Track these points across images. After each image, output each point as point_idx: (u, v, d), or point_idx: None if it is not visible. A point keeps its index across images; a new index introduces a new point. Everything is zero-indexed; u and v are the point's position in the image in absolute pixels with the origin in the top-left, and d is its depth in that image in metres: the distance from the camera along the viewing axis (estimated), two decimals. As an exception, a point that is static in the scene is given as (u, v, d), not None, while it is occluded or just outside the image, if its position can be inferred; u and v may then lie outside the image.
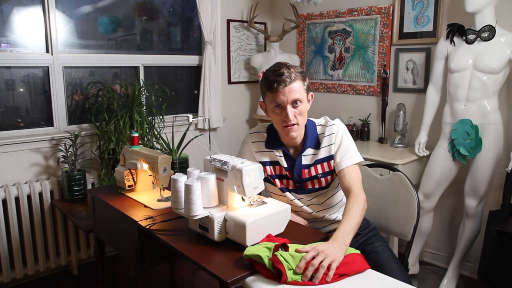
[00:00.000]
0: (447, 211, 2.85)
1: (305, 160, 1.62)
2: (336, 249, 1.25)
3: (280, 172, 1.67)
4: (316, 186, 1.64)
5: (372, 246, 1.64)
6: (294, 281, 1.19)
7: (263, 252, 1.24)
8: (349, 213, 1.42)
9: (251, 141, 1.73)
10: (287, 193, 1.67)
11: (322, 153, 1.61)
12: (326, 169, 1.62)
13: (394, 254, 1.68)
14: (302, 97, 1.53)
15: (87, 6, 2.85)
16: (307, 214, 1.70)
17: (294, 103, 1.52)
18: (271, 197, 1.68)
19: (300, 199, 1.68)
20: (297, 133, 1.58)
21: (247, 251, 1.27)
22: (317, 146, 1.62)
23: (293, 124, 1.54)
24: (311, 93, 1.61)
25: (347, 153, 1.58)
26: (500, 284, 1.88)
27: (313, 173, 1.62)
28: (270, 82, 1.52)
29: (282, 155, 1.65)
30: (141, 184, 1.96)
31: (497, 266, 1.91)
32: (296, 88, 1.51)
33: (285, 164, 1.64)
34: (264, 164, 1.67)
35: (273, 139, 1.67)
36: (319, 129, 1.65)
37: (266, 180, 1.68)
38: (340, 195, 1.72)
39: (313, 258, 1.21)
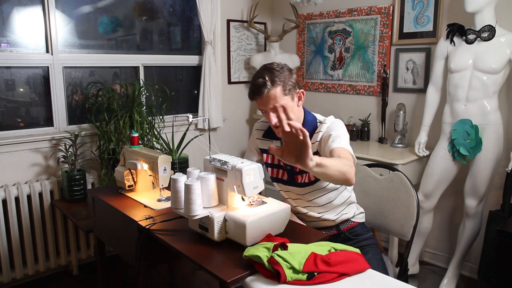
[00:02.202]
0: (447, 211, 2.85)
1: None
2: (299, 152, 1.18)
3: (278, 162, 1.72)
4: (305, 180, 1.65)
5: None
6: (294, 281, 1.19)
7: (262, 252, 1.24)
8: (337, 158, 1.37)
9: (255, 128, 1.82)
10: (275, 183, 1.76)
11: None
12: None
13: (383, 267, 1.64)
14: (282, 103, 1.50)
15: (87, 6, 2.85)
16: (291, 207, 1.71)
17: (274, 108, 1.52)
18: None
19: (287, 191, 1.73)
20: None
21: (247, 252, 1.27)
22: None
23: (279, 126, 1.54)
24: (299, 90, 1.59)
25: (337, 139, 1.51)
26: (500, 284, 1.88)
27: None
28: (249, 91, 1.56)
29: (279, 145, 1.67)
30: (141, 184, 1.96)
31: (497, 266, 1.91)
32: (272, 97, 1.51)
33: None
34: (263, 151, 1.77)
35: (273, 131, 1.69)
36: (318, 127, 1.65)
37: None
38: (329, 197, 1.68)
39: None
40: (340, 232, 1.72)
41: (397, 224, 1.80)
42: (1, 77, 2.54)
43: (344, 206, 1.72)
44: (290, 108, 1.55)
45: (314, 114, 1.68)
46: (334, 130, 1.55)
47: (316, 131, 1.61)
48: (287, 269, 1.19)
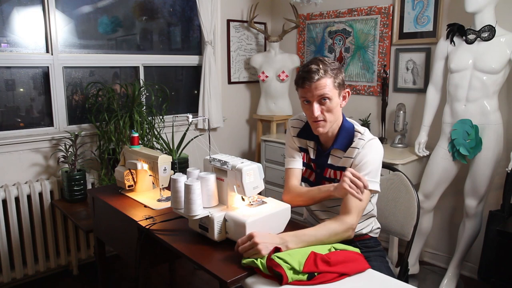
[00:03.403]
0: (447, 211, 2.85)
1: (332, 160, 1.59)
2: (269, 244, 1.26)
3: (308, 161, 1.67)
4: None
5: None
6: (294, 281, 1.19)
7: (259, 259, 1.24)
8: (323, 225, 1.40)
9: (291, 125, 1.73)
10: (302, 183, 1.69)
11: (342, 162, 1.56)
12: None
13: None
14: (330, 94, 1.48)
15: (87, 6, 2.85)
16: (310, 211, 1.71)
17: (321, 99, 1.48)
18: None
19: None
20: (325, 129, 1.53)
21: (244, 259, 1.26)
22: (345, 150, 1.55)
23: (320, 120, 1.51)
24: (346, 90, 1.56)
25: (363, 174, 1.46)
26: (500, 284, 1.88)
27: (333, 175, 1.59)
28: (299, 77, 1.51)
29: (312, 146, 1.64)
30: (141, 184, 1.96)
31: (497, 266, 1.91)
32: (323, 85, 1.47)
33: (312, 155, 1.65)
34: (300, 149, 1.69)
35: (308, 130, 1.64)
36: (355, 136, 1.56)
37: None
38: None
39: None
40: (351, 241, 1.61)
41: (397, 224, 1.80)
42: (1, 77, 2.54)
43: (364, 219, 1.63)
44: (336, 104, 1.51)
45: (350, 121, 1.61)
46: (367, 156, 1.49)
47: (353, 145, 1.53)
48: (287, 270, 1.19)
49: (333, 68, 1.49)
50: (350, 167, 1.51)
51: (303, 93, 1.51)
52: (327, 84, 1.47)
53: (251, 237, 1.27)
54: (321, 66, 1.47)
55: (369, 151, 1.50)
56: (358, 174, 1.41)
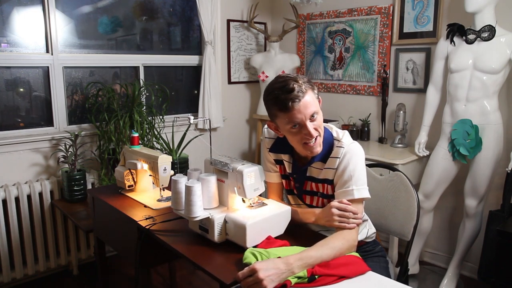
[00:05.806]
0: (447, 211, 2.85)
1: (311, 172, 1.50)
2: (274, 275, 1.15)
3: (285, 173, 1.60)
4: (314, 203, 1.54)
5: None
6: (295, 284, 1.19)
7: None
8: (326, 244, 1.30)
9: (266, 135, 1.62)
10: (289, 196, 1.64)
11: (323, 173, 1.47)
12: (326, 192, 1.50)
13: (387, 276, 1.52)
14: (317, 108, 1.37)
15: (87, 6, 2.85)
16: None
17: (311, 116, 1.35)
18: None
19: (300, 204, 1.60)
20: (321, 147, 1.42)
21: (245, 259, 1.26)
22: (324, 161, 1.46)
23: (316, 138, 1.39)
24: (319, 98, 1.46)
25: (348, 185, 1.40)
26: (500, 284, 1.88)
27: (315, 188, 1.52)
28: (282, 101, 1.32)
29: (287, 159, 1.55)
30: (141, 184, 1.96)
31: (497, 266, 1.91)
32: (310, 101, 1.34)
33: (288, 169, 1.57)
34: (276, 162, 1.61)
35: (282, 144, 1.53)
36: (334, 144, 1.47)
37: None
38: None
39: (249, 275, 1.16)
40: None
41: (397, 224, 1.80)
42: (1, 77, 2.54)
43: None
44: (321, 115, 1.40)
45: (326, 126, 1.49)
46: (350, 165, 1.40)
47: (332, 155, 1.44)
48: (291, 278, 1.19)
49: (308, 80, 1.38)
50: (333, 178, 1.45)
51: (292, 118, 1.33)
52: (311, 98, 1.35)
53: (253, 271, 1.14)
54: (299, 81, 1.34)
55: (350, 157, 1.41)
56: (344, 204, 1.38)
